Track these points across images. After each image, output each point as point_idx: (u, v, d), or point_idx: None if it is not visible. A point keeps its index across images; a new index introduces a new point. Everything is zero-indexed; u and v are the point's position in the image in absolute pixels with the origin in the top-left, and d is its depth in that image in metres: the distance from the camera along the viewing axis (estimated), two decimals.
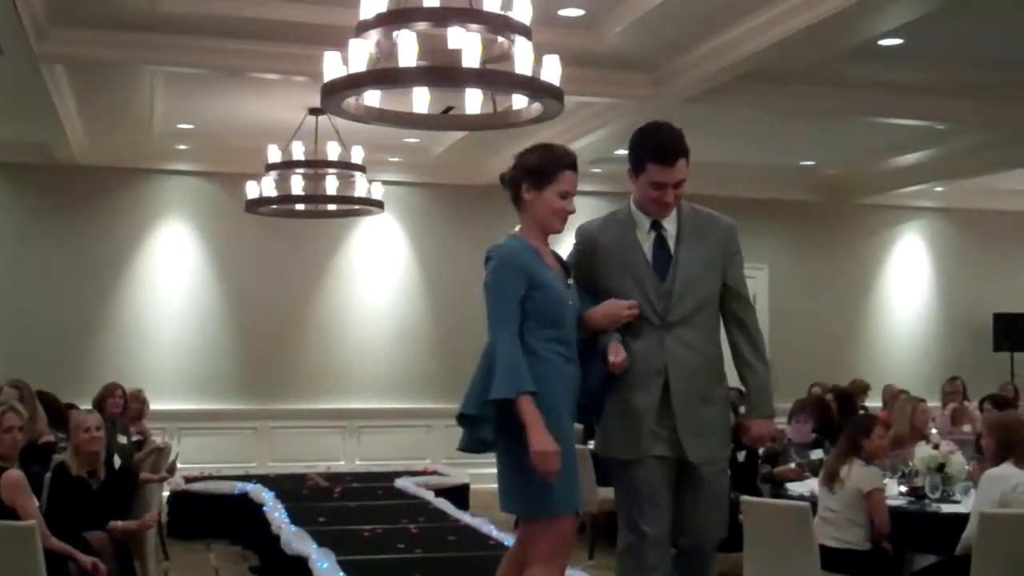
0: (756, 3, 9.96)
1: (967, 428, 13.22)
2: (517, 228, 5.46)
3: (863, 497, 7.86)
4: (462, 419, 5.25)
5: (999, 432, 7.71)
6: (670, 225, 5.53)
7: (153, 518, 9.51)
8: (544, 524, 5.32)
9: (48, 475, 8.58)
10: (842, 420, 11.49)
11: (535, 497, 5.25)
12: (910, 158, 16.58)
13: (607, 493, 10.89)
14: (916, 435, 10.22)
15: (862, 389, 14.53)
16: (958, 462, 8.35)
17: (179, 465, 10.84)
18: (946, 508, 8.03)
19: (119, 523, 8.49)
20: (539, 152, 5.44)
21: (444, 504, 11.50)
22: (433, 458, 15.68)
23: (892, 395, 14.09)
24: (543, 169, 5.37)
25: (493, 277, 5.27)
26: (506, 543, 8.70)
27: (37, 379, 11.24)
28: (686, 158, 5.45)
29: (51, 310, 16.02)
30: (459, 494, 12.97)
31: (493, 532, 9.54)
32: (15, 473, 7.56)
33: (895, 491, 8.46)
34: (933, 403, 14.60)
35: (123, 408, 11.51)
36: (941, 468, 8.30)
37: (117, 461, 9.22)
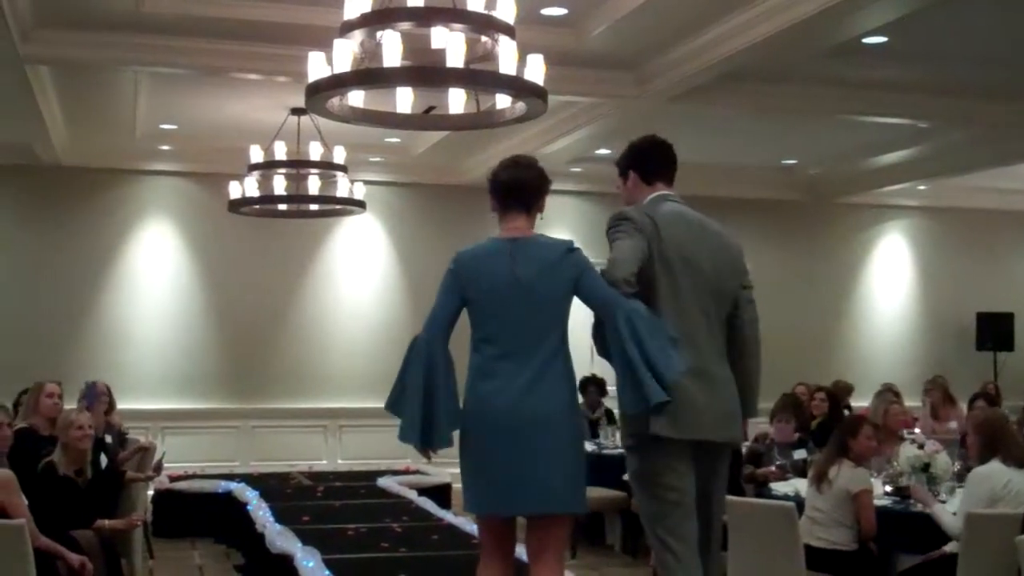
0: (739, 2, 9.95)
1: (953, 425, 13.23)
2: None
3: (851, 498, 7.87)
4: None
5: (985, 430, 7.73)
6: None
7: (140, 517, 9.52)
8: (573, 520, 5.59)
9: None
10: (829, 421, 11.52)
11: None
12: (893, 157, 16.59)
13: (588, 492, 10.92)
14: (890, 435, 10.23)
15: (846, 390, 14.53)
16: (943, 462, 8.36)
17: (164, 464, 10.82)
18: None
19: (106, 522, 8.48)
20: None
21: (427, 503, 11.50)
22: (414, 457, 15.53)
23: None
24: None
25: None
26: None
27: (20, 379, 11.23)
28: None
29: (35, 310, 16.00)
30: (441, 493, 12.96)
31: (476, 531, 9.53)
32: (6, 473, 7.55)
33: (880, 491, 8.48)
34: (915, 403, 14.67)
35: (109, 407, 11.49)
36: (926, 468, 8.31)
37: (103, 460, 9.20)
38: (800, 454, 10.20)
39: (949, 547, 7.35)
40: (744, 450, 10.73)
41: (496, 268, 5.40)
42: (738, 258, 5.90)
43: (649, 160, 6.02)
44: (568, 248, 5.43)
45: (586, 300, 5.37)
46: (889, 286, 19.78)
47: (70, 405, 9.77)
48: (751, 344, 5.90)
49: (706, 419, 5.56)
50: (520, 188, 5.56)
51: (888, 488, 8.51)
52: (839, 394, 13.51)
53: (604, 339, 5.40)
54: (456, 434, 5.42)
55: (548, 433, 5.29)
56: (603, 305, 5.32)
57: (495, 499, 5.39)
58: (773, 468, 10.16)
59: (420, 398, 5.29)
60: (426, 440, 5.34)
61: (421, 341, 5.39)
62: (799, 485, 8.93)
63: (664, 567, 5.56)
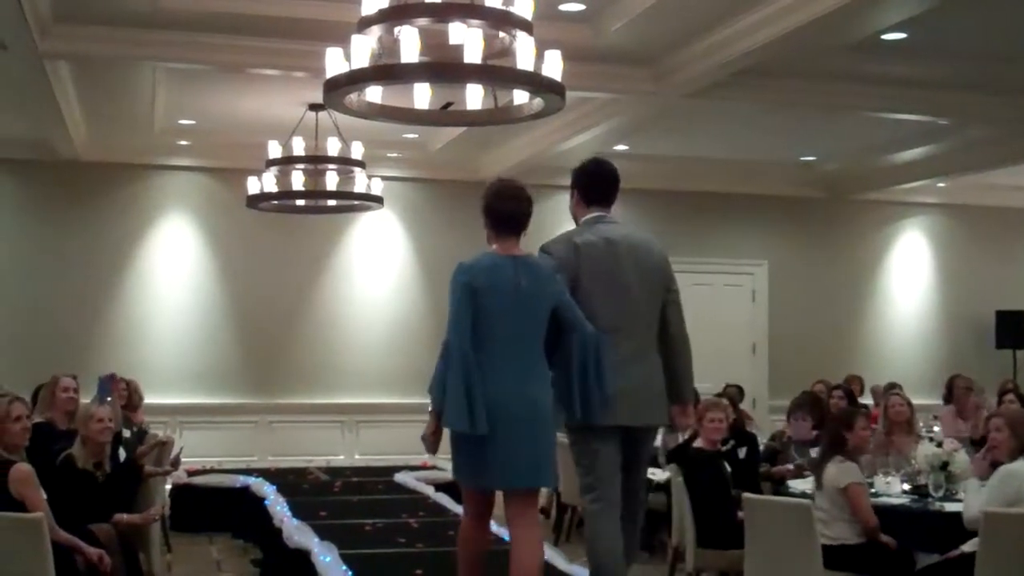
0: None
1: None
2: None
3: (841, 492, 7.92)
4: None
5: (1019, 427, 7.65)
6: None
7: (158, 511, 9.52)
8: None
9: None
10: None
11: None
12: (912, 153, 16.54)
13: None
14: (895, 427, 10.21)
15: (855, 383, 14.53)
16: (962, 460, 8.33)
17: (182, 459, 10.83)
18: (949, 507, 8.01)
19: (124, 516, 8.49)
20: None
21: (443, 498, 11.47)
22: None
23: (878, 393, 14.10)
24: None
25: None
26: (505, 538, 8.69)
27: (39, 373, 11.24)
28: None
29: (54, 304, 16.05)
30: (457, 489, 12.91)
31: (492, 526, 9.51)
32: (24, 467, 7.55)
33: (898, 489, 8.46)
34: (934, 400, 14.60)
35: (127, 400, 11.51)
36: (945, 466, 8.29)
37: (122, 454, 9.21)
38: (817, 452, 10.18)
39: (967, 547, 7.33)
40: (762, 448, 10.73)
41: (504, 278, 6.20)
42: (662, 267, 6.81)
43: (589, 183, 6.94)
44: (553, 270, 6.42)
45: (562, 315, 6.34)
46: (908, 283, 19.69)
47: (87, 399, 9.78)
48: (679, 342, 6.80)
49: (624, 409, 6.48)
50: (518, 219, 6.37)
51: (906, 486, 8.49)
52: (852, 390, 13.49)
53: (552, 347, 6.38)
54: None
55: (543, 420, 6.24)
56: (575, 322, 6.36)
57: (507, 475, 6.27)
58: (790, 466, 10.15)
59: (464, 393, 6.01)
60: (472, 426, 6.03)
61: (455, 346, 6.10)
62: None
63: (591, 519, 6.68)
